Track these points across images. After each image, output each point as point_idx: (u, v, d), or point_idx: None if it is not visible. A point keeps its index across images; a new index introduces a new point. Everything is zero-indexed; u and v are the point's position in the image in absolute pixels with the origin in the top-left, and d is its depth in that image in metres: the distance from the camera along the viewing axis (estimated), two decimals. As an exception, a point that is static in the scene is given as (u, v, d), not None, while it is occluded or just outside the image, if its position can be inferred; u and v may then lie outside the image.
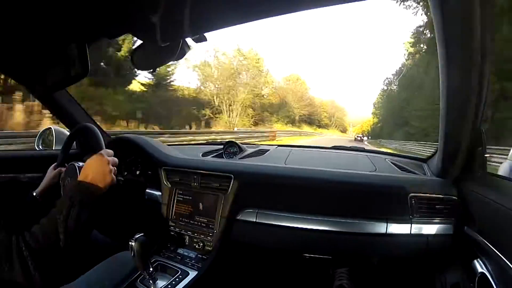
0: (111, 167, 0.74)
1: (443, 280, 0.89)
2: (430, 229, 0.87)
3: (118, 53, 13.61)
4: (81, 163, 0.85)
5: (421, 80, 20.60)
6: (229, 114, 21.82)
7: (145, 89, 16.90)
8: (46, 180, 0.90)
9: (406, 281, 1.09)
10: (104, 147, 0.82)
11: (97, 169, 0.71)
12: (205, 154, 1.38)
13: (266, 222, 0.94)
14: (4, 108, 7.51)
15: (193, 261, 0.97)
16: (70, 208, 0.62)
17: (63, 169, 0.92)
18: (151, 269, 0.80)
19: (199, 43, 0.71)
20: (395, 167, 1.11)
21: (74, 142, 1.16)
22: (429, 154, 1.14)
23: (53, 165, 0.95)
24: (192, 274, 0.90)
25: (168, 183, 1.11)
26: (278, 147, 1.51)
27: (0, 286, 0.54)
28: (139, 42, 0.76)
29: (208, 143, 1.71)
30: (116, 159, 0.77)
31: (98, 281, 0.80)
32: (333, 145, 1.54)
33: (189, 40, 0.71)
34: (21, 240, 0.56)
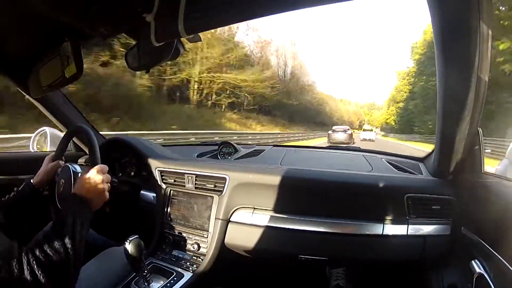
0: (105, 185, 0.74)
1: (440, 281, 0.88)
2: (427, 229, 0.86)
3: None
4: (76, 166, 0.84)
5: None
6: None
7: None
8: (43, 172, 0.89)
9: (403, 282, 1.08)
10: (99, 161, 0.80)
11: (92, 186, 0.71)
12: (200, 155, 1.37)
13: (261, 223, 0.93)
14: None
15: (188, 263, 0.96)
16: (73, 225, 0.61)
17: (61, 162, 0.91)
18: (145, 271, 0.80)
19: (193, 43, 0.70)
20: (392, 167, 1.10)
21: (69, 143, 1.15)
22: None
23: (50, 155, 0.93)
24: (187, 275, 0.89)
25: (162, 184, 1.10)
26: (274, 148, 1.50)
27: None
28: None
29: (203, 144, 1.71)
30: (109, 176, 0.77)
31: (92, 279, 0.79)
32: (328, 145, 1.54)
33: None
34: (30, 256, 0.53)
